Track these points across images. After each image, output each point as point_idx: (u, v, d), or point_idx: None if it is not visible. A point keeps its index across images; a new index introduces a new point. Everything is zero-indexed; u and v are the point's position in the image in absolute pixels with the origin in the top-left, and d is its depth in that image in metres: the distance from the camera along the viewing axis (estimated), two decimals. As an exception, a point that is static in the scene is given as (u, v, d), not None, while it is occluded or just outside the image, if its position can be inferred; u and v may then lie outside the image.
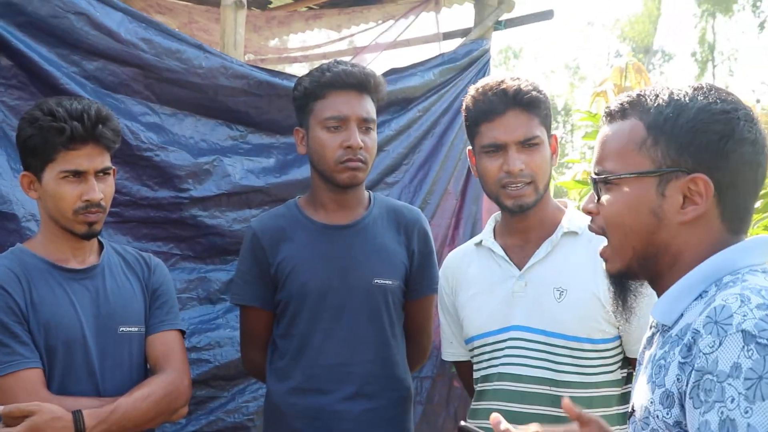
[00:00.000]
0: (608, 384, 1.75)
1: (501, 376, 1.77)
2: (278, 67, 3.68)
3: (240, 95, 2.29)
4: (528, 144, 1.72)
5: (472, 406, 1.88)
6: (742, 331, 0.92)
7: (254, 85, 2.29)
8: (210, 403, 2.24)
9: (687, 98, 1.06)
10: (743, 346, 0.92)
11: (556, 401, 1.65)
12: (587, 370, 1.74)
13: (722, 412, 0.91)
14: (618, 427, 1.73)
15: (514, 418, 1.71)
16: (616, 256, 1.14)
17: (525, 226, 1.80)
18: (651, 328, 1.16)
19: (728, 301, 0.96)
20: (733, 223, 1.08)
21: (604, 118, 1.16)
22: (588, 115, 3.52)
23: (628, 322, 1.22)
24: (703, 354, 0.95)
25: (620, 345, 1.76)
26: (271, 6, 3.31)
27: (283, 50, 3.43)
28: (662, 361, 1.04)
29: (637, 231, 1.09)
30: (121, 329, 1.70)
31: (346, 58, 3.05)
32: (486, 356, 1.81)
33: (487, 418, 1.77)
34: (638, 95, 1.11)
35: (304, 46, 3.46)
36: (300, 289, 1.86)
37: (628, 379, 1.78)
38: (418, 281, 1.98)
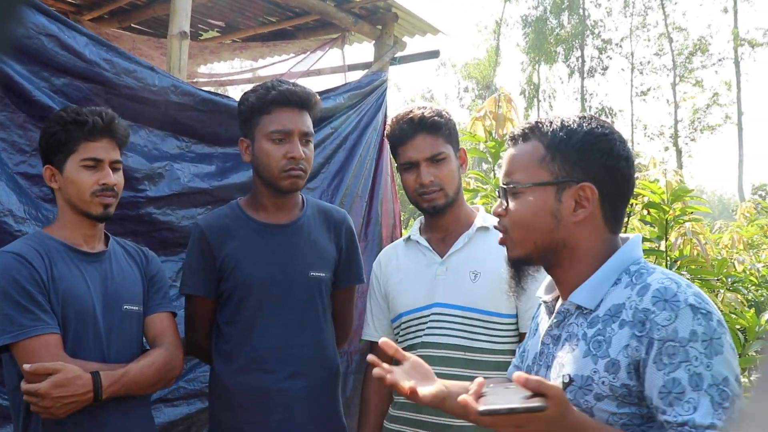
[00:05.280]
0: (513, 353, 1.88)
1: (424, 344, 1.99)
2: (206, 89, 4.00)
3: (187, 110, 2.54)
4: (436, 159, 2.01)
5: None
6: (690, 305, 1.12)
7: (199, 102, 2.57)
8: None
9: (575, 124, 1.28)
10: (693, 317, 1.11)
11: (469, 364, 1.93)
12: (496, 339, 1.97)
13: (689, 369, 1.09)
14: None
15: None
16: (517, 246, 1.31)
17: (444, 223, 2.08)
18: (558, 313, 1.30)
19: (665, 283, 1.15)
20: (613, 224, 1.29)
21: (509, 142, 1.35)
22: (468, 135, 4.10)
23: (519, 298, 1.45)
24: (662, 326, 1.12)
25: None
26: (201, 38, 3.64)
27: (210, 75, 3.75)
28: (600, 337, 1.20)
29: (539, 229, 1.27)
30: (124, 307, 1.84)
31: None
32: (413, 328, 2.05)
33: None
34: (536, 123, 1.31)
35: (230, 72, 3.82)
36: (245, 280, 2.00)
37: None
38: (345, 273, 2.16)
